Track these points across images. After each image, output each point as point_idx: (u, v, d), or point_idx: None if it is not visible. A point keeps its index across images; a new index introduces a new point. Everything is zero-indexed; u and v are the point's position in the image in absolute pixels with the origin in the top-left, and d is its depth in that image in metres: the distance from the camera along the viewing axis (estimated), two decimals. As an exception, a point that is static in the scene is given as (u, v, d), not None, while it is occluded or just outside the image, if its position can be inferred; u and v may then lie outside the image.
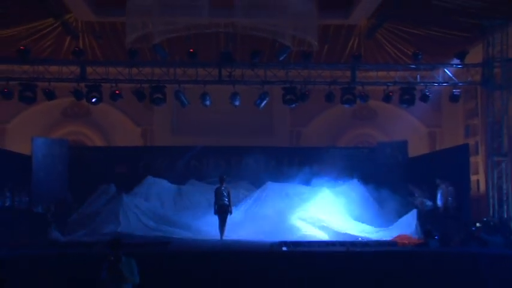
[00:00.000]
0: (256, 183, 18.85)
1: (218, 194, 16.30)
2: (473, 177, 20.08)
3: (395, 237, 15.59)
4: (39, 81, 17.16)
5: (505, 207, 16.49)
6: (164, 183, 19.14)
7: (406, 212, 16.79)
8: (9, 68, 17.65)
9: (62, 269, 11.90)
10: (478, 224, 15.86)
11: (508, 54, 17.02)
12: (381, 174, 19.08)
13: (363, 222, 16.64)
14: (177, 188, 19.20)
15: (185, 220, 17.35)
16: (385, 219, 16.86)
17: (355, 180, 18.12)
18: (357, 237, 15.69)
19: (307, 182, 18.18)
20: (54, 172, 19.31)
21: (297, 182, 18.35)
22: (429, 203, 16.91)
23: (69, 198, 18.95)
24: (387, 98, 18.41)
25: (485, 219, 16.26)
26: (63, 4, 18.54)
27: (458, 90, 18.05)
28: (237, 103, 17.91)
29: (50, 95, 17.69)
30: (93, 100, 17.51)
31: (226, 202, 16.22)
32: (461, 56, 17.58)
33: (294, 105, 18.27)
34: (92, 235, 15.97)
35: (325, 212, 16.79)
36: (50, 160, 19.35)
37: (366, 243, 14.78)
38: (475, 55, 18.40)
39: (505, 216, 16.33)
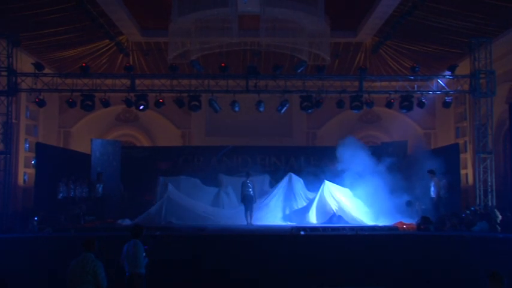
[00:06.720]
0: (277, 177, 18.73)
1: (244, 186, 16.30)
2: (462, 172, 20.06)
3: (396, 223, 15.50)
4: (97, 92, 17.28)
5: (490, 197, 16.30)
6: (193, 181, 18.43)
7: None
8: (73, 81, 17.80)
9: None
10: (467, 212, 15.76)
11: (491, 67, 16.85)
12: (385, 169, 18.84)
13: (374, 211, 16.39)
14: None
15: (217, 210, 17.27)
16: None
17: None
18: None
19: (320, 176, 17.96)
20: (109, 167, 19.55)
21: (312, 176, 18.06)
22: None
23: (121, 188, 19.32)
24: (389, 104, 18.29)
25: (473, 208, 16.12)
26: (117, 28, 18.95)
27: (449, 98, 17.84)
28: (261, 109, 17.86)
29: (105, 104, 17.83)
30: (141, 107, 17.55)
31: (251, 193, 16.23)
32: (452, 69, 17.39)
33: (310, 110, 18.13)
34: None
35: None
36: (106, 158, 19.60)
37: (373, 228, 14.53)
38: (464, 68, 18.21)
39: (490, 204, 16.16)
